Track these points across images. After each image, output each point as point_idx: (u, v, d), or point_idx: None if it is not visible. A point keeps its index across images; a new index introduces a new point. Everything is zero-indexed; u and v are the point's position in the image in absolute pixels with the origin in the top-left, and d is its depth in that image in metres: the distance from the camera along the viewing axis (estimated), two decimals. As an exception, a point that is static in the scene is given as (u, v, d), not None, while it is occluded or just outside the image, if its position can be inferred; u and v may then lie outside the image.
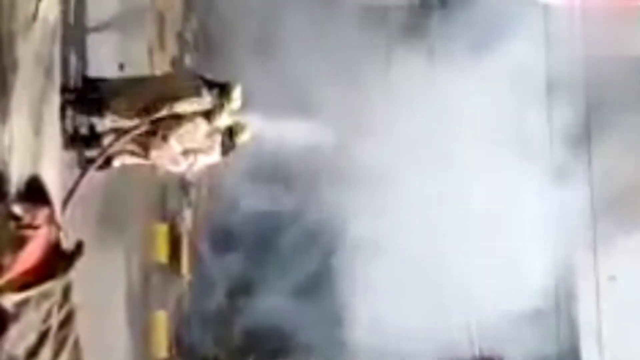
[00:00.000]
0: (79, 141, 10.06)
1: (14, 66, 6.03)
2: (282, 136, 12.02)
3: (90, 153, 9.86)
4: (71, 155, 9.84)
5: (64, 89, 9.78)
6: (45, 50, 6.51)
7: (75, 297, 9.88)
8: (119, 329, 11.72)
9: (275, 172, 13.32)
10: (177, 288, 13.43)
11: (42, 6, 6.35)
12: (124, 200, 11.85)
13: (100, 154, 9.61)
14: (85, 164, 9.55)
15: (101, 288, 10.93)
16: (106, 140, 9.95)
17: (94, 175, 9.99)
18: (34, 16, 6.21)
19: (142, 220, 12.72)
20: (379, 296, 13.39)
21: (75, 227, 9.68)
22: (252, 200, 13.47)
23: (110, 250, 11.51)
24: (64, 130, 9.87)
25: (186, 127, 9.89)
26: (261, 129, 10.92)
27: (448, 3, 14.50)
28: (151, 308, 12.80)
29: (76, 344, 6.28)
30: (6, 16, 5.96)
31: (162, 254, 12.97)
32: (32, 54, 6.27)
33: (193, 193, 13.42)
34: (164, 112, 9.88)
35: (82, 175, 9.06)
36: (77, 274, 9.80)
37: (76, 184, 8.84)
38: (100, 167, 10.20)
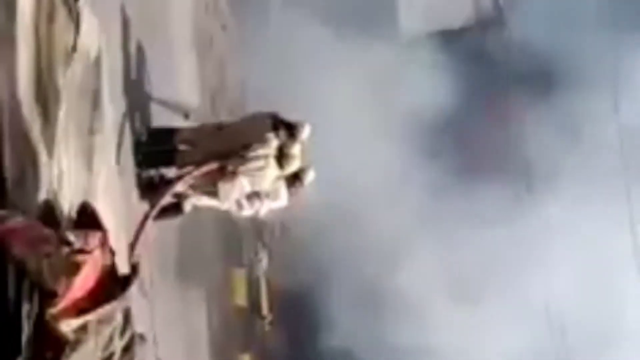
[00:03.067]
0: (152, 190, 10.11)
1: (56, 96, 6.09)
2: None
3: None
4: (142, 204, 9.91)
5: (136, 143, 9.93)
6: (89, 83, 6.57)
7: (161, 347, 9.93)
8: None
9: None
10: (260, 330, 13.43)
11: (82, 40, 6.41)
12: (200, 248, 11.91)
13: (165, 191, 9.63)
14: (151, 206, 9.56)
15: (184, 336, 10.97)
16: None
17: (167, 222, 10.06)
18: (73, 47, 6.27)
19: (220, 266, 12.78)
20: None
21: (154, 277, 9.78)
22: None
23: (191, 297, 11.55)
24: (139, 183, 9.97)
25: (256, 164, 9.88)
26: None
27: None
28: (236, 352, 12.81)
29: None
30: (45, 46, 6.03)
31: (241, 297, 13.01)
32: (75, 86, 6.32)
33: (267, 235, 13.43)
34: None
35: (147, 216, 9.08)
36: (159, 323, 9.88)
37: (142, 224, 8.86)
38: (173, 213, 10.26)
